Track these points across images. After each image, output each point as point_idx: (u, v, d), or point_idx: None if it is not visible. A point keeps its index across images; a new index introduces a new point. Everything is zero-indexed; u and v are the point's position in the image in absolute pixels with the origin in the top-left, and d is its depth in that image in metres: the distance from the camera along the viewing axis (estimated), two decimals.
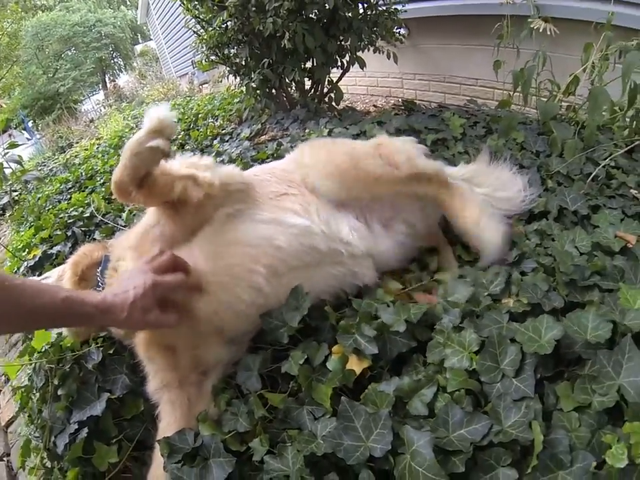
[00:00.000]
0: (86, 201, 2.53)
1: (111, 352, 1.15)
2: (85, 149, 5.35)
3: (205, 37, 2.91)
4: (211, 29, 2.84)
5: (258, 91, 2.92)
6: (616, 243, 1.23)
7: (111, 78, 22.93)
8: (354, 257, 1.20)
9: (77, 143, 7.03)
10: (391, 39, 3.03)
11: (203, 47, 3.07)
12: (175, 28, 9.88)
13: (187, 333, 1.05)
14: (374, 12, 2.81)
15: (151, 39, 16.34)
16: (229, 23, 2.64)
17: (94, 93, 20.28)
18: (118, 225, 2.00)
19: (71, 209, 2.47)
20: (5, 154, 2.86)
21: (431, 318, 1.06)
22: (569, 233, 1.29)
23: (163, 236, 1.09)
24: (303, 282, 1.11)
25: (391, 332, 1.01)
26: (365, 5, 2.76)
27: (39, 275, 1.40)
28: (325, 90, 3.11)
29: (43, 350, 1.22)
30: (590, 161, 1.71)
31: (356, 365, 0.99)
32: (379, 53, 3.05)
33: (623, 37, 2.04)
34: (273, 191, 1.22)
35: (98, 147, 4.92)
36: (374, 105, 3.97)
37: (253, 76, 2.73)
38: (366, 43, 2.89)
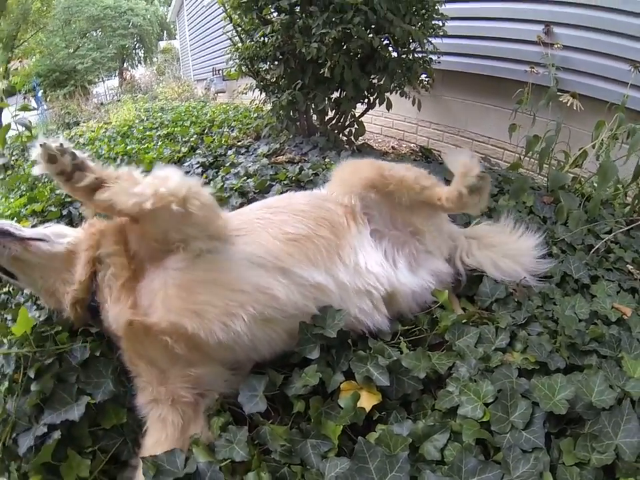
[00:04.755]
0: None
1: (97, 353, 1.04)
2: (92, 131, 5.28)
3: (241, 47, 2.94)
4: (249, 40, 2.86)
5: (281, 111, 2.93)
6: (612, 313, 1.34)
7: (128, 68, 23.01)
8: (371, 301, 1.19)
9: (84, 122, 6.94)
10: (418, 86, 3.12)
11: (235, 56, 3.09)
12: (203, 32, 9.99)
13: (160, 347, 0.97)
14: (410, 57, 2.88)
15: (176, 38, 16.57)
16: (269, 38, 2.67)
17: (109, 78, 20.28)
18: None
19: None
20: (15, 116, 2.74)
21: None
22: (570, 299, 1.38)
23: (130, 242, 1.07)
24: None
25: (399, 373, 1.05)
26: (404, 50, 2.83)
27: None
28: (347, 123, 3.16)
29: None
30: (591, 232, 1.83)
31: (366, 402, 0.99)
32: (406, 97, 3.11)
33: (634, 120, 2.17)
34: (289, 231, 1.14)
35: (105, 131, 4.85)
36: (392, 147, 4.04)
37: (282, 95, 2.74)
38: (395, 85, 2.96)
